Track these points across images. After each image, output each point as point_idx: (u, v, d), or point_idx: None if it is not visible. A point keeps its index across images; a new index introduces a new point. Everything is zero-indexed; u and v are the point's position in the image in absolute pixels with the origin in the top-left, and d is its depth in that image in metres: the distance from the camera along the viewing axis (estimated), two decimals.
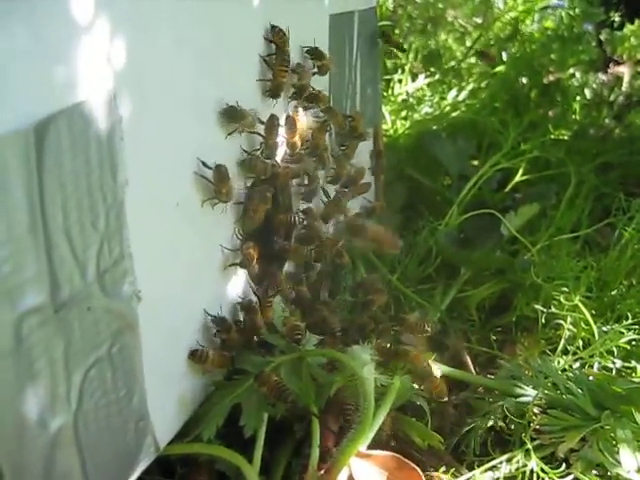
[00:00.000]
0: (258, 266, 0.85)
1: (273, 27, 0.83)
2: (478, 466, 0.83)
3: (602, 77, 1.86)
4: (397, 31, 1.80)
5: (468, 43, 1.84)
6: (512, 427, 0.88)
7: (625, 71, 1.88)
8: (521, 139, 1.42)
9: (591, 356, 0.96)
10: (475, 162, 1.47)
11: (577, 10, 1.71)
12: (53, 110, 0.52)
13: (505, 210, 1.22)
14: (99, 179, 0.58)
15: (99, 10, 0.55)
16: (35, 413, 0.55)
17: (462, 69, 1.77)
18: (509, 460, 0.83)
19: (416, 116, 1.58)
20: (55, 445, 0.58)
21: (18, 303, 0.52)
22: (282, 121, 0.87)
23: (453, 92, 1.64)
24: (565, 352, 0.98)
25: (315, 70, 0.94)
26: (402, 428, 0.86)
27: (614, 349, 0.95)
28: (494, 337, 1.09)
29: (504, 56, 1.73)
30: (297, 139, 0.89)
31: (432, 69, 1.76)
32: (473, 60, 1.80)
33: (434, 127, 1.54)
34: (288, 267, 0.96)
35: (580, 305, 0.99)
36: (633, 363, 0.95)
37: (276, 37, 0.83)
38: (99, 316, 0.60)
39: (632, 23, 1.82)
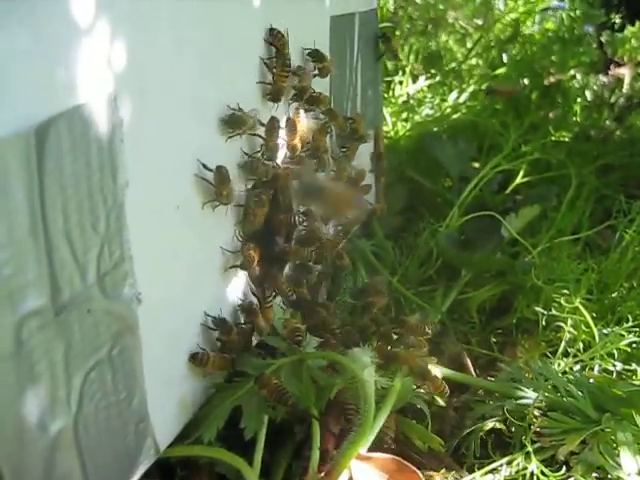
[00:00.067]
0: (259, 268, 0.85)
1: (272, 30, 0.83)
2: (478, 469, 0.83)
3: (603, 79, 1.86)
4: (398, 32, 1.80)
5: (469, 44, 1.84)
6: (512, 430, 0.88)
7: (626, 73, 1.89)
8: (522, 141, 1.42)
9: (591, 358, 0.96)
10: (476, 164, 1.47)
11: (578, 12, 1.71)
12: (53, 112, 0.52)
13: (506, 212, 1.22)
14: (99, 181, 0.58)
15: (99, 11, 0.55)
16: (35, 416, 0.55)
17: (463, 71, 1.77)
18: (509, 463, 0.82)
19: (417, 118, 1.58)
20: (55, 448, 0.58)
21: (18, 306, 0.52)
22: (283, 123, 0.87)
23: (454, 94, 1.64)
24: (565, 354, 0.98)
25: (316, 72, 0.94)
26: (402, 430, 0.86)
27: (614, 351, 0.95)
28: (494, 339, 1.09)
29: (505, 58, 1.73)
30: (298, 141, 0.89)
31: (433, 71, 1.76)
32: (474, 62, 1.80)
33: (435, 129, 1.53)
34: (288, 269, 0.96)
35: (581, 307, 0.99)
36: (633, 366, 0.95)
37: (275, 40, 0.83)
38: (99, 318, 0.60)
39: (633, 25, 1.83)
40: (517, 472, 0.81)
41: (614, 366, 0.95)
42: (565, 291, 1.03)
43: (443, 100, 1.63)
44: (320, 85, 0.95)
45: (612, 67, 1.92)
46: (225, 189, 0.75)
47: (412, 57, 1.76)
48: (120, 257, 0.61)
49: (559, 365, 0.95)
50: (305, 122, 0.92)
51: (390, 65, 1.71)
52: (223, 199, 0.76)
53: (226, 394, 0.79)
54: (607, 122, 1.75)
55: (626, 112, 1.77)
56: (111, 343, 0.62)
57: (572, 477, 0.80)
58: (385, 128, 1.50)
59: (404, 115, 1.60)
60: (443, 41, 1.86)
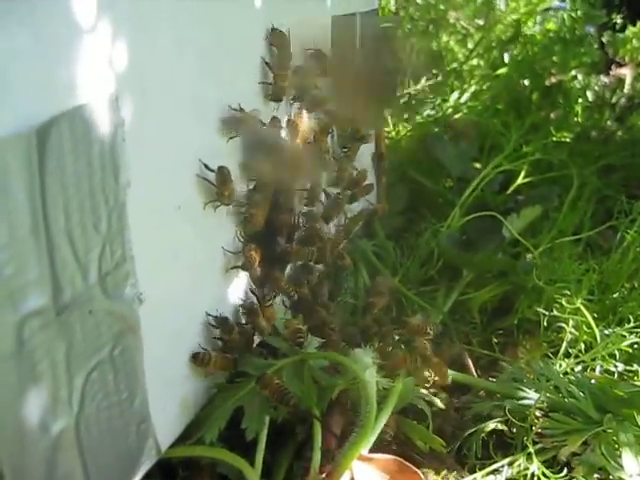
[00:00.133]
0: (260, 269, 0.85)
1: (273, 30, 0.83)
2: (480, 469, 0.83)
3: (604, 79, 1.86)
4: (399, 33, 1.80)
5: (470, 45, 1.84)
6: (514, 430, 0.88)
7: (627, 73, 1.88)
8: (523, 141, 1.42)
9: (593, 359, 0.96)
10: (477, 164, 1.47)
11: (579, 12, 1.71)
12: (54, 112, 0.52)
13: (507, 212, 1.22)
14: (101, 181, 0.57)
15: (100, 11, 0.55)
16: (37, 416, 0.55)
17: (464, 71, 1.77)
18: (511, 464, 0.82)
19: (418, 118, 1.58)
20: (57, 448, 0.58)
21: (20, 306, 0.51)
22: (284, 123, 0.87)
23: (455, 94, 1.64)
24: (567, 355, 0.98)
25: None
26: (404, 431, 0.86)
27: (616, 352, 0.95)
28: (496, 340, 1.09)
29: (506, 58, 1.73)
30: (299, 141, 0.89)
31: (434, 71, 1.76)
32: (475, 62, 1.80)
33: (436, 129, 1.53)
34: (290, 269, 0.96)
35: (582, 308, 0.99)
36: (635, 366, 0.95)
37: (276, 40, 0.83)
38: (101, 319, 0.60)
39: (634, 25, 1.82)
40: (518, 473, 0.81)
41: (615, 367, 0.95)
42: (566, 292, 1.04)
43: (444, 100, 1.63)
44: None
45: (613, 67, 1.92)
46: (226, 189, 0.75)
47: (413, 57, 1.75)
48: (122, 257, 0.61)
49: (560, 366, 0.95)
50: (307, 122, 0.92)
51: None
52: (224, 199, 0.76)
53: (228, 394, 0.79)
54: (608, 122, 1.75)
55: (627, 112, 1.77)
56: (113, 343, 0.62)
57: (574, 478, 0.80)
58: (386, 128, 1.50)
59: (405, 115, 1.60)
60: (444, 41, 1.86)
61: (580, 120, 1.68)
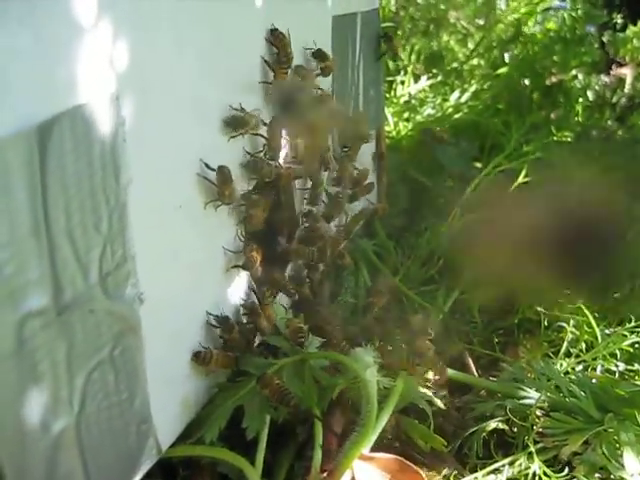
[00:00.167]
0: (261, 268, 0.85)
1: (273, 30, 0.83)
2: (481, 469, 0.83)
3: (604, 79, 1.85)
4: (400, 32, 1.80)
5: (470, 45, 1.84)
6: (515, 430, 0.88)
7: (627, 73, 1.88)
8: (523, 141, 1.42)
9: (594, 359, 0.96)
10: (478, 164, 1.47)
11: (579, 12, 1.70)
12: (55, 111, 0.52)
13: None
14: (102, 181, 0.57)
15: (100, 10, 0.55)
16: (37, 416, 0.55)
17: (464, 71, 1.77)
18: (512, 463, 0.82)
19: (418, 118, 1.57)
20: (57, 448, 0.58)
21: (20, 305, 0.51)
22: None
23: (455, 94, 1.64)
24: (568, 355, 0.98)
25: (318, 72, 0.94)
26: (405, 430, 0.86)
27: (617, 352, 0.95)
28: (496, 339, 1.09)
29: (506, 58, 1.73)
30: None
31: (434, 70, 1.76)
32: (475, 62, 1.80)
33: (437, 129, 1.53)
34: (290, 269, 0.96)
35: (583, 308, 0.99)
36: (636, 366, 0.95)
37: (276, 40, 0.83)
38: (101, 318, 0.60)
39: (635, 25, 1.82)
40: (519, 472, 0.81)
41: (616, 366, 0.95)
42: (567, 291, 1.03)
43: (445, 100, 1.63)
44: (322, 85, 0.95)
45: (614, 67, 1.91)
46: (227, 189, 0.75)
47: (414, 57, 1.75)
48: (122, 257, 0.61)
49: (561, 365, 0.95)
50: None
51: (392, 65, 1.71)
52: (225, 199, 0.75)
53: (228, 394, 0.79)
54: (609, 122, 1.74)
55: (628, 112, 1.77)
56: (113, 343, 0.62)
57: (575, 477, 0.80)
58: (387, 128, 1.50)
59: (406, 115, 1.59)
60: (445, 41, 1.86)
61: (581, 120, 1.68)
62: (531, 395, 0.87)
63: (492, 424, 0.88)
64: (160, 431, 0.70)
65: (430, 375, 0.89)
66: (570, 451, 0.81)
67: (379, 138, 1.22)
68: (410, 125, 1.55)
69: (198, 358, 0.75)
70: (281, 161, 0.87)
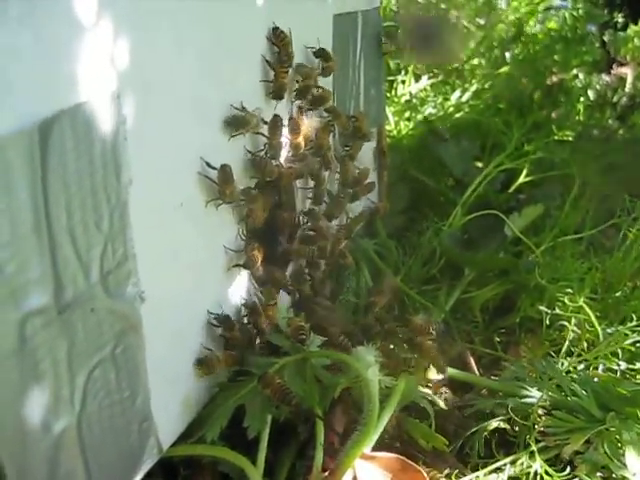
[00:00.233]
0: (262, 267, 0.85)
1: (275, 29, 0.83)
2: (482, 468, 0.83)
3: (605, 78, 1.85)
4: (400, 32, 1.80)
5: (471, 44, 1.84)
6: (516, 429, 0.88)
7: (628, 72, 1.88)
8: (525, 140, 1.42)
9: (596, 358, 0.95)
10: (479, 163, 1.47)
11: (580, 11, 1.71)
12: (56, 110, 0.52)
13: (509, 211, 1.22)
14: (103, 179, 0.57)
15: (100, 9, 0.55)
16: (39, 414, 0.55)
17: (465, 70, 1.77)
18: (513, 462, 0.82)
19: (419, 117, 1.57)
20: (58, 446, 0.58)
21: (22, 304, 0.51)
22: (286, 121, 0.87)
23: (457, 93, 1.64)
24: (569, 354, 0.98)
25: (319, 71, 0.94)
26: (406, 430, 0.86)
27: (619, 351, 0.95)
28: (498, 338, 1.09)
29: (507, 57, 1.73)
30: (301, 139, 0.89)
31: (435, 70, 1.76)
32: (476, 61, 1.80)
33: (438, 128, 1.53)
34: (292, 268, 0.96)
35: (584, 306, 0.99)
36: (638, 365, 0.95)
37: (277, 39, 0.83)
38: (102, 317, 0.60)
39: (635, 24, 1.82)
40: (521, 471, 0.81)
41: (618, 365, 0.95)
42: (569, 290, 1.03)
43: (446, 99, 1.63)
44: (323, 84, 0.94)
45: (615, 66, 1.91)
46: (228, 188, 0.75)
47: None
48: (123, 255, 0.61)
49: (563, 364, 0.95)
50: (308, 121, 0.92)
51: (392, 64, 1.71)
52: (226, 198, 0.75)
53: (229, 393, 0.79)
54: (610, 121, 1.74)
55: (629, 111, 1.77)
56: (114, 342, 0.62)
57: (576, 477, 0.80)
58: (388, 127, 1.50)
59: (407, 114, 1.59)
60: None
61: (582, 119, 1.68)
62: (533, 394, 0.87)
63: (494, 423, 0.87)
64: (161, 430, 0.70)
65: (431, 374, 0.88)
66: (572, 450, 0.81)
67: (380, 137, 1.22)
68: (411, 124, 1.56)
69: (202, 365, 0.75)
70: (282, 160, 0.87)
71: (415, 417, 0.87)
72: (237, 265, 0.82)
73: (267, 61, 0.83)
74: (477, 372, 1.01)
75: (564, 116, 1.65)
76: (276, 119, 0.84)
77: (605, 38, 1.87)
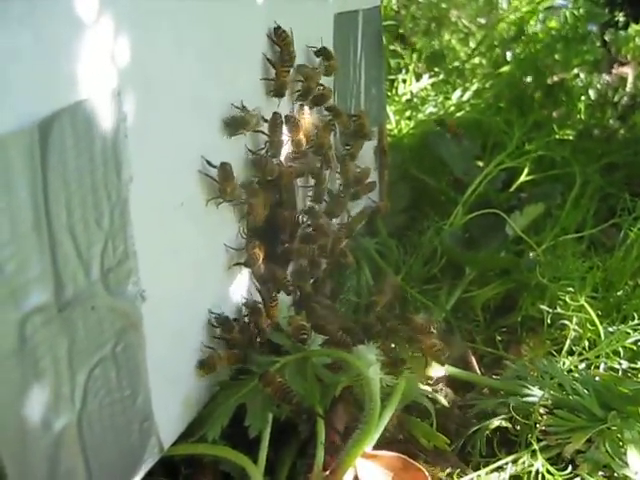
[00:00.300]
0: (263, 266, 0.84)
1: (276, 29, 0.83)
2: (484, 467, 0.83)
3: (606, 77, 1.85)
4: (401, 31, 1.80)
5: (472, 44, 1.84)
6: (518, 428, 0.88)
7: (629, 71, 1.88)
8: (526, 139, 1.41)
9: (597, 357, 0.95)
10: (480, 162, 1.47)
11: (581, 10, 1.70)
12: (56, 108, 0.51)
13: (510, 210, 1.22)
14: (103, 177, 0.57)
15: (101, 8, 0.54)
16: (39, 413, 0.55)
17: (466, 69, 1.77)
18: (515, 461, 0.82)
19: (420, 116, 1.57)
20: (59, 445, 0.57)
21: (22, 302, 0.51)
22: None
23: (457, 92, 1.64)
24: (571, 353, 0.98)
25: (321, 70, 0.93)
26: (408, 429, 0.85)
27: (620, 349, 0.95)
28: (499, 337, 1.09)
29: (508, 56, 1.73)
30: (302, 137, 0.88)
31: (436, 69, 1.76)
32: (477, 60, 1.80)
33: (438, 127, 1.53)
34: (293, 267, 0.95)
35: (586, 305, 0.99)
36: (639, 364, 0.94)
37: (279, 39, 0.83)
38: (103, 315, 0.60)
39: (636, 23, 1.82)
40: (523, 470, 0.81)
41: (620, 364, 0.95)
42: (570, 289, 1.03)
43: (446, 98, 1.63)
44: (324, 83, 0.94)
45: (616, 66, 1.91)
46: (229, 186, 0.75)
47: (415, 55, 1.75)
48: (124, 253, 0.61)
49: (564, 363, 0.95)
50: (309, 118, 0.91)
51: (393, 63, 1.71)
52: (227, 196, 0.75)
53: (230, 392, 0.79)
54: (611, 121, 1.74)
55: (629, 111, 1.77)
56: (115, 340, 0.62)
57: (578, 475, 0.80)
58: (389, 126, 1.50)
59: (407, 113, 1.59)
60: (446, 40, 1.86)
61: (582, 118, 1.68)
62: (534, 393, 0.87)
63: (495, 422, 0.87)
64: (162, 429, 0.70)
65: (432, 372, 0.88)
66: (573, 449, 0.81)
67: (381, 136, 1.22)
68: (412, 123, 1.55)
69: (204, 366, 0.76)
70: (282, 159, 0.87)
71: (416, 416, 0.87)
72: (238, 263, 0.82)
73: (268, 60, 0.83)
74: (479, 371, 1.01)
75: (565, 115, 1.65)
76: (276, 117, 0.84)
77: (606, 37, 1.87)
